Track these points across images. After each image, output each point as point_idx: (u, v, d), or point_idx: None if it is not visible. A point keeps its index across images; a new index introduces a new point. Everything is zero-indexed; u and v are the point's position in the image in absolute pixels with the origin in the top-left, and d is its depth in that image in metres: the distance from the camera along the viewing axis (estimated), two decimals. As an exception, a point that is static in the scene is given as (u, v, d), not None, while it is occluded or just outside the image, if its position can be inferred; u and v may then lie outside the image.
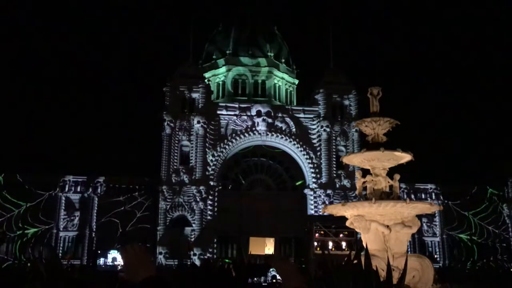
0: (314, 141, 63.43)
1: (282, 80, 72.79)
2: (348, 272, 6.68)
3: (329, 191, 61.05)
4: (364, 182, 14.85)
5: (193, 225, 58.80)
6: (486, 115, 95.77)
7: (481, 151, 77.71)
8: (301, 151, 63.04)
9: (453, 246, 62.64)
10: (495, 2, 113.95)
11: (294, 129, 63.68)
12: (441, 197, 63.28)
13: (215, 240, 59.44)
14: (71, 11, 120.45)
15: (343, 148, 62.75)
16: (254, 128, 62.97)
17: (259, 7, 79.78)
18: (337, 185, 61.76)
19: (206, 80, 67.17)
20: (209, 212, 59.72)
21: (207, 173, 60.67)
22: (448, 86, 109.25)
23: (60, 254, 53.70)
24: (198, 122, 61.63)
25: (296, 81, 75.28)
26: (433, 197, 63.35)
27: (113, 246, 55.18)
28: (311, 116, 64.43)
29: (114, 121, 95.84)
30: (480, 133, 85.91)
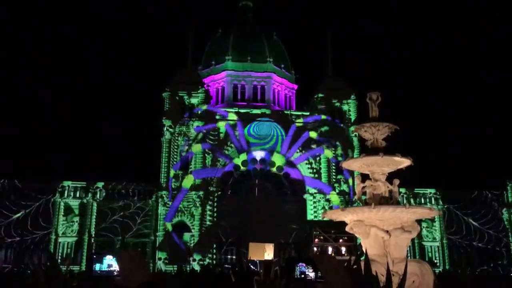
0: (313, 145, 63.36)
1: (281, 85, 72.88)
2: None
3: (328, 196, 60.98)
4: (363, 187, 14.83)
5: (192, 230, 58.70)
6: (486, 120, 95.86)
7: (480, 155, 77.79)
8: (300, 156, 62.94)
9: (453, 251, 62.45)
10: (495, 4, 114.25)
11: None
12: (441, 202, 63.24)
13: (214, 245, 59.31)
14: (70, 16, 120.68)
15: (341, 151, 62.65)
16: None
17: (258, 13, 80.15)
18: (337, 190, 61.69)
19: (205, 85, 67.21)
20: (208, 218, 59.65)
21: (206, 178, 60.58)
22: (448, 91, 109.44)
23: (59, 260, 53.56)
24: (198, 127, 61.63)
25: (295, 86, 75.36)
26: (433, 201, 63.28)
27: (112, 252, 55.01)
28: (311, 121, 64.44)
29: (113, 126, 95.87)
30: (479, 137, 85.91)
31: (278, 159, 62.51)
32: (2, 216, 56.55)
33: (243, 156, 61.83)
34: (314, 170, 62.60)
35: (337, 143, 62.43)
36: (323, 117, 63.15)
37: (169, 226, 58.15)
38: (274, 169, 62.34)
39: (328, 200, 60.91)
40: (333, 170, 62.15)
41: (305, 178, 62.46)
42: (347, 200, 60.55)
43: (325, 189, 61.71)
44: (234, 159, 61.91)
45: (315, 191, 61.71)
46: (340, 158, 60.97)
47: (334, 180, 62.11)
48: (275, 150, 62.20)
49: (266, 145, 62.23)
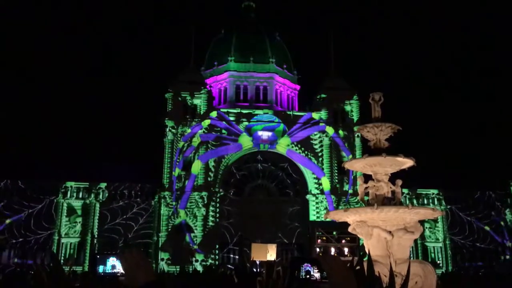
0: (316, 146, 63.38)
1: (284, 86, 72.88)
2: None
3: (331, 197, 60.94)
4: (366, 188, 14.80)
5: (195, 231, 58.76)
6: (489, 119, 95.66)
7: (483, 155, 77.57)
8: (303, 156, 62.93)
9: (456, 251, 62.34)
10: (497, 4, 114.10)
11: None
12: (444, 202, 63.13)
13: (217, 246, 59.37)
14: (71, 15, 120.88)
15: (345, 154, 62.69)
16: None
17: (260, 13, 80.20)
18: (339, 191, 61.64)
19: (208, 86, 67.26)
20: (211, 218, 59.68)
21: (209, 179, 60.66)
22: (450, 91, 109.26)
23: (61, 261, 53.66)
24: (200, 128, 61.68)
25: (298, 87, 75.35)
26: (436, 202, 63.20)
27: (115, 252, 55.11)
28: (313, 121, 64.36)
29: (116, 127, 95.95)
30: (482, 137, 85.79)
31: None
32: (5, 216, 56.64)
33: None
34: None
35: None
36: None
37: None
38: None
39: (330, 201, 60.86)
40: (336, 165, 61.97)
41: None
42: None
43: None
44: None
45: (318, 191, 61.68)
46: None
47: (336, 180, 61.95)
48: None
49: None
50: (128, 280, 3.97)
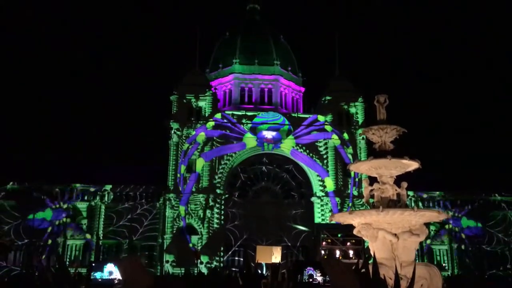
0: (321, 148, 63.27)
1: (289, 88, 72.83)
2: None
3: (336, 199, 60.81)
4: (371, 190, 14.78)
5: (200, 233, 58.74)
6: (494, 122, 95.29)
7: (488, 158, 77.28)
8: (307, 157, 62.80)
9: (461, 254, 61.97)
10: (497, 5, 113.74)
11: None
12: (449, 205, 62.83)
13: (222, 248, 59.34)
14: (75, 16, 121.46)
15: (350, 156, 62.59)
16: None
17: (265, 16, 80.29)
18: (344, 193, 61.50)
19: (212, 88, 67.31)
20: (216, 221, 59.68)
21: (214, 181, 60.68)
22: (456, 94, 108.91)
23: (67, 262, 53.79)
24: (205, 130, 61.68)
25: (303, 89, 75.29)
26: (441, 205, 62.89)
27: (120, 254, 55.31)
28: (318, 124, 64.26)
29: (121, 130, 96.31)
30: (487, 140, 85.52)
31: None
32: (11, 218, 56.80)
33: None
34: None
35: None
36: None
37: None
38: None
39: (335, 203, 60.70)
40: (340, 168, 61.84)
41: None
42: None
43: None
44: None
45: (323, 194, 61.55)
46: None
47: (341, 183, 61.84)
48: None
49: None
50: (127, 287, 3.99)
